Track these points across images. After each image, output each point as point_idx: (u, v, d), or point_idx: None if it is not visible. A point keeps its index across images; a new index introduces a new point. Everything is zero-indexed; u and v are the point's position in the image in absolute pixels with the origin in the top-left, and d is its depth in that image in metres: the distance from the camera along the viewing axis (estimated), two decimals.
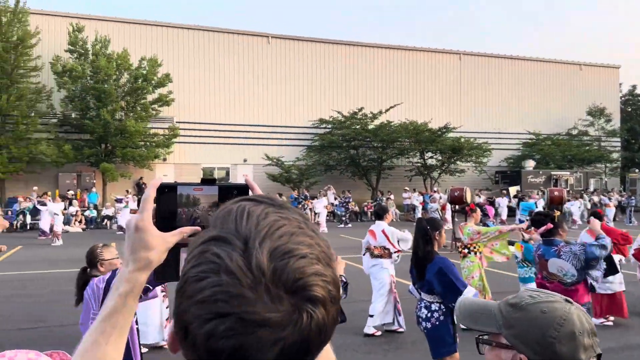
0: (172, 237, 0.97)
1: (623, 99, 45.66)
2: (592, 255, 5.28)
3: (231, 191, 1.04)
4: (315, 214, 24.63)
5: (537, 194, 28.23)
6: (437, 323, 4.76)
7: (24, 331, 7.77)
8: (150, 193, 0.98)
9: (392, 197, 29.42)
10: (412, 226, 7.02)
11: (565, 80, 40.06)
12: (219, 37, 31.88)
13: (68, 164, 26.34)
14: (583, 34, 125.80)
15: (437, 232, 4.90)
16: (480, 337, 1.43)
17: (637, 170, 40.96)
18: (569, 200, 26.00)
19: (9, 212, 22.50)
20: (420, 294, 5.03)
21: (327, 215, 26.24)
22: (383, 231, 7.81)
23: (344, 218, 26.84)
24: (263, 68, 32.44)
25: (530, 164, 34.76)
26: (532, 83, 39.06)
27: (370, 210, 28.30)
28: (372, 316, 7.51)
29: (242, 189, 1.06)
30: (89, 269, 4.25)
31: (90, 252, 4.32)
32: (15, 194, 25.32)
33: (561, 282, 5.37)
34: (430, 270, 4.75)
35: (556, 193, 19.79)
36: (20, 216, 23.95)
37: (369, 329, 7.51)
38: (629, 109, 46.92)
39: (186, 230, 0.98)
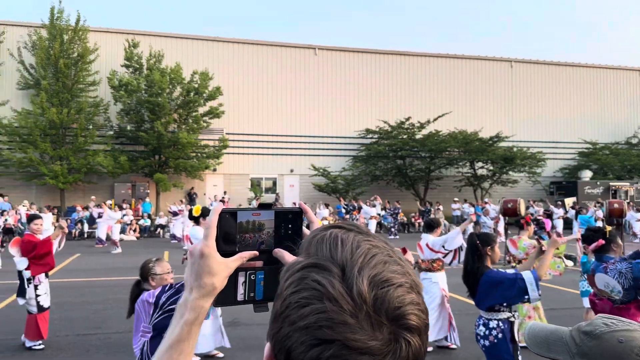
0: (233, 263, 0.98)
1: None
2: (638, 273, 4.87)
3: (287, 215, 1.05)
4: (365, 224, 24.49)
5: (595, 206, 27.09)
6: (496, 341, 4.60)
7: (83, 337, 8.01)
8: (214, 219, 0.99)
9: (440, 207, 28.91)
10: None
11: (624, 87, 38.47)
12: (266, 50, 32.42)
13: (123, 175, 27.33)
14: None
15: (489, 247, 4.72)
16: None
17: None
18: (629, 211, 24.83)
19: (68, 221, 23.50)
20: (479, 310, 4.87)
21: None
22: (427, 245, 7.70)
23: (392, 229, 26.55)
24: (310, 79, 32.73)
25: (587, 175, 33.53)
26: (587, 90, 37.69)
27: (418, 221, 27.91)
28: None
29: (297, 213, 1.06)
30: (141, 282, 4.34)
31: (143, 266, 4.41)
32: (73, 203, 26.45)
33: (610, 299, 5.04)
34: (484, 285, 4.60)
35: (616, 205, 18.88)
36: (79, 225, 24.96)
37: None
38: None
39: (246, 255, 0.99)
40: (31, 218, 7.96)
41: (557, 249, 7.71)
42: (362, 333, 0.68)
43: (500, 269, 4.73)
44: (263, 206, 1.04)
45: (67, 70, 26.44)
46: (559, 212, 25.54)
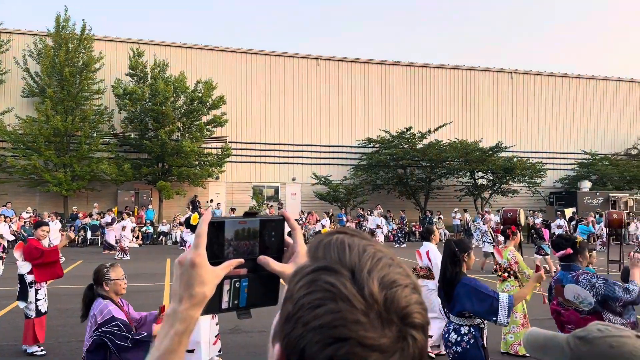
0: (222, 271, 0.98)
1: None
2: (612, 294, 4.78)
3: (271, 223, 1.07)
4: (372, 232, 24.48)
5: (594, 216, 27.07)
6: (468, 347, 4.56)
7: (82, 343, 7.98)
8: (204, 228, 0.99)
9: (441, 217, 28.84)
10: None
11: (623, 98, 38.55)
12: (270, 60, 32.56)
13: (127, 182, 27.36)
14: None
15: (466, 253, 4.73)
16: None
17: None
18: (629, 223, 24.80)
19: (72, 227, 23.49)
20: (449, 317, 4.84)
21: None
22: (427, 253, 7.74)
23: (399, 238, 26.51)
24: (312, 89, 32.85)
25: (586, 185, 33.47)
26: (587, 101, 37.78)
27: (419, 230, 27.86)
28: (431, 336, 7.34)
29: (280, 221, 1.08)
30: (94, 286, 4.33)
31: (98, 270, 4.38)
32: (76, 210, 26.42)
33: (577, 309, 4.98)
34: (459, 291, 4.59)
35: (615, 215, 18.93)
36: (81, 231, 24.91)
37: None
38: None
39: (233, 263, 1.00)
40: (38, 224, 7.99)
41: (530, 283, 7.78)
42: (373, 331, 0.70)
43: (480, 282, 4.69)
44: (248, 214, 1.06)
45: (72, 79, 26.50)
46: (561, 222, 25.50)
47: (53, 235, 18.16)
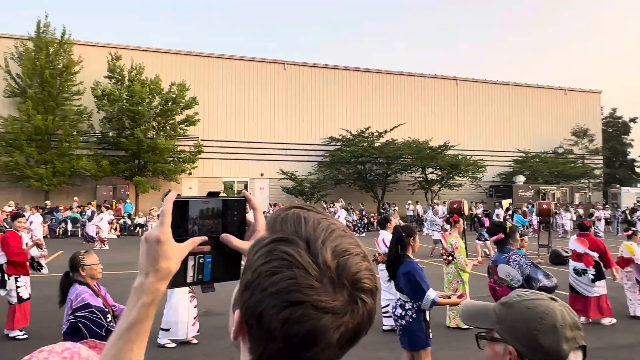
0: (187, 247, 0.96)
1: (604, 120, 45.54)
2: (534, 275, 5.13)
3: (233, 203, 1.04)
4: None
5: (527, 207, 27.94)
6: (411, 320, 4.67)
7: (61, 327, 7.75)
8: (168, 207, 0.97)
9: (396, 208, 29.24)
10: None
11: (551, 104, 39.89)
12: (240, 65, 32.15)
13: (105, 178, 26.57)
14: (569, 60, 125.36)
15: (412, 237, 4.83)
16: (479, 333, 1.45)
17: (617, 186, 40.49)
18: (556, 213, 25.69)
19: (53, 220, 22.67)
20: (397, 295, 4.96)
21: None
22: (383, 240, 7.83)
23: (359, 228, 26.63)
24: (279, 91, 32.64)
25: (520, 179, 34.55)
26: (522, 106, 38.93)
27: (376, 220, 28.15)
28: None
29: (242, 202, 1.05)
30: (71, 273, 4.20)
31: (73, 257, 4.25)
32: (57, 204, 25.50)
33: (509, 286, 5.20)
34: (400, 272, 4.70)
35: (544, 205, 19.62)
36: (62, 224, 24.10)
37: (386, 327, 7.51)
38: (610, 130, 47.18)
39: (197, 240, 0.97)
40: (15, 216, 7.70)
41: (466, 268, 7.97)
42: (326, 295, 0.71)
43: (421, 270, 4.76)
44: (212, 194, 1.03)
45: (53, 80, 25.50)
46: (499, 212, 26.18)
47: (36, 227, 17.51)
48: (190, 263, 0.98)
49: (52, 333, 7.46)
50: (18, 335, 7.08)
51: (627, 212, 29.69)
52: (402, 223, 26.72)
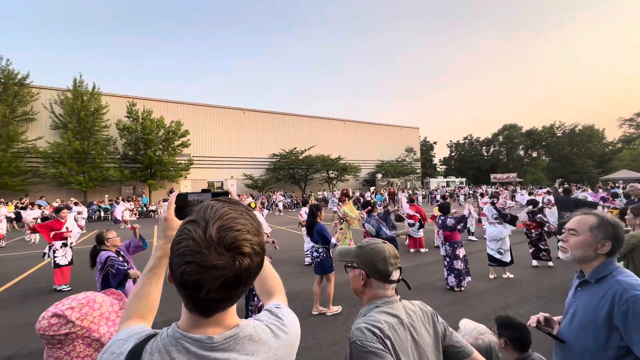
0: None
1: (421, 142, 48.45)
2: (379, 230, 4.92)
3: (219, 195, 0.94)
4: (276, 205, 24.30)
5: (383, 191, 29.50)
6: (323, 257, 4.53)
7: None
8: (172, 199, 0.93)
9: (311, 194, 29.58)
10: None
11: (395, 134, 41.70)
12: (217, 110, 30.54)
13: (127, 181, 23.98)
14: (403, 109, 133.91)
15: (319, 211, 4.70)
16: (346, 264, 1.39)
17: (428, 178, 43.69)
18: (397, 193, 27.41)
19: (90, 210, 20.00)
20: (313, 244, 4.81)
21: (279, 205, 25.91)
22: (305, 212, 7.69)
23: (292, 207, 26.45)
24: (241, 127, 31.44)
25: (379, 176, 35.82)
26: (380, 135, 40.30)
27: (300, 201, 28.24)
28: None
29: (225, 194, 0.96)
30: (97, 246, 3.77)
31: (99, 234, 3.81)
32: (93, 200, 22.62)
33: (371, 234, 5.11)
34: (315, 230, 4.56)
35: (391, 189, 21.08)
36: (97, 212, 21.44)
37: (307, 262, 6.96)
38: (424, 148, 49.88)
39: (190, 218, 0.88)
40: (58, 209, 6.78)
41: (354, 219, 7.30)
42: (211, 257, 0.65)
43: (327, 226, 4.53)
44: (205, 190, 0.97)
45: (87, 118, 22.39)
46: (368, 195, 27.43)
47: (80, 216, 15.42)
48: None
49: (88, 286, 6.77)
50: (63, 288, 6.28)
51: (435, 192, 32.38)
52: (315, 202, 26.86)
